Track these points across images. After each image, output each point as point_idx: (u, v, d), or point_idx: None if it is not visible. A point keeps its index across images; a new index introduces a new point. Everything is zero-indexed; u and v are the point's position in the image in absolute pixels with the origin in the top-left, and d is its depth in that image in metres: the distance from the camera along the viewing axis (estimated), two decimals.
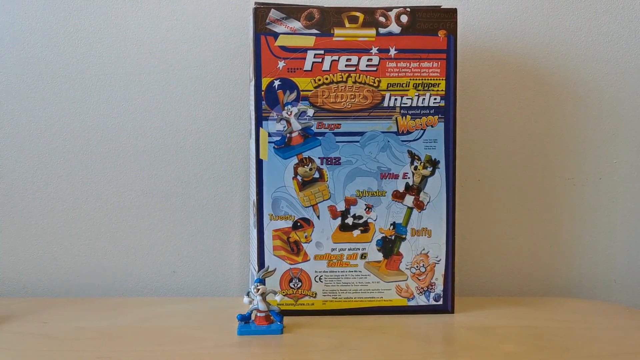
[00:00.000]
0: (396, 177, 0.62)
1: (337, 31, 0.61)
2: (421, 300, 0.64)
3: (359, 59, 0.61)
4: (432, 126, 0.62)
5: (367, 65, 0.61)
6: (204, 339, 0.56)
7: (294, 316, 0.62)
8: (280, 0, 0.62)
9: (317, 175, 0.62)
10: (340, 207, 0.62)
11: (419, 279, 0.64)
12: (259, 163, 0.61)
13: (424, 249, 0.63)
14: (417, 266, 0.64)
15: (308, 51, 0.61)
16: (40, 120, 0.71)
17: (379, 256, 0.63)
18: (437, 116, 0.62)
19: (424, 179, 0.63)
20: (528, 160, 0.74)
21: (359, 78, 0.61)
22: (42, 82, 0.71)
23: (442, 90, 0.62)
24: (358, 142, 0.62)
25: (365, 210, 0.63)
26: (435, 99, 0.62)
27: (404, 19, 0.61)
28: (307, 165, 0.62)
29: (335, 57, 0.61)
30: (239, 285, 0.74)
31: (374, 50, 0.61)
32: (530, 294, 0.75)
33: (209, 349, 0.54)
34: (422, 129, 0.62)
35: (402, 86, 0.61)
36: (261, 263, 0.62)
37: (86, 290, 0.73)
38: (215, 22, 0.71)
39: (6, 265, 0.73)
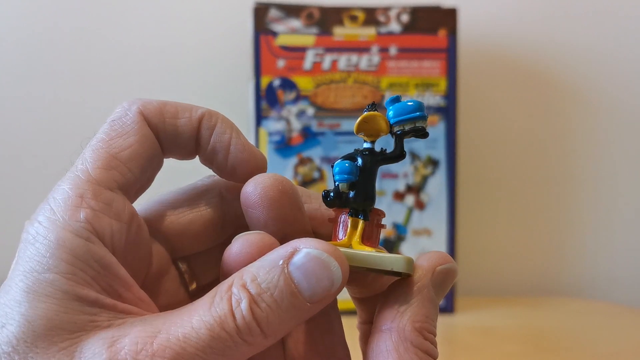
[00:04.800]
0: (396, 177, 0.62)
1: (337, 30, 0.60)
2: None
3: (359, 58, 0.61)
4: (432, 126, 0.62)
5: (367, 65, 0.61)
6: None
7: None
8: None
9: (317, 175, 0.62)
10: None
11: None
12: None
13: (424, 249, 0.63)
14: None
15: (308, 50, 0.60)
16: (38, 120, 0.71)
17: None
18: (438, 115, 0.62)
19: (425, 178, 0.63)
20: (528, 160, 0.74)
21: (359, 77, 0.61)
22: (40, 82, 0.71)
23: (443, 90, 0.62)
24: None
25: None
26: (435, 98, 0.62)
27: (405, 18, 0.61)
28: (307, 165, 0.62)
29: (336, 57, 0.61)
30: None
31: (374, 49, 0.61)
32: (530, 294, 0.75)
33: None
34: None
35: (402, 85, 0.61)
36: None
37: None
38: (214, 21, 0.71)
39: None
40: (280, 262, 0.20)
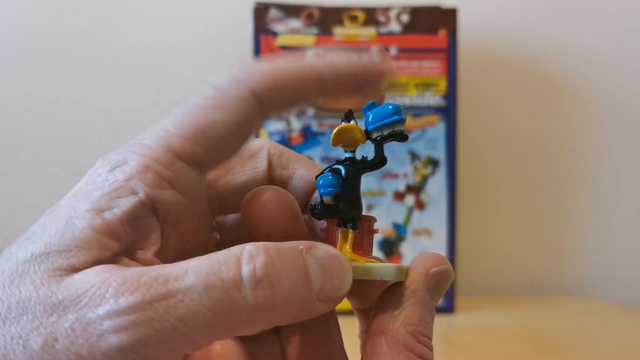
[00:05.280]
0: (396, 177, 0.62)
1: (337, 30, 0.60)
2: None
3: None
4: (432, 126, 0.62)
5: None
6: None
7: None
8: None
9: None
10: None
11: None
12: None
13: (424, 249, 0.63)
14: None
15: (308, 50, 0.60)
16: (38, 120, 0.71)
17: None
18: (438, 115, 0.62)
19: (425, 178, 0.63)
20: (528, 160, 0.74)
21: None
22: (40, 82, 0.71)
23: (443, 90, 0.62)
24: None
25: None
26: (435, 98, 0.62)
27: (405, 18, 0.61)
28: None
29: None
30: None
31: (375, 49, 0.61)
32: (530, 294, 0.75)
33: None
34: (422, 129, 0.62)
35: (402, 85, 0.61)
36: None
37: None
38: (214, 21, 0.71)
39: None
40: (301, 246, 0.20)
